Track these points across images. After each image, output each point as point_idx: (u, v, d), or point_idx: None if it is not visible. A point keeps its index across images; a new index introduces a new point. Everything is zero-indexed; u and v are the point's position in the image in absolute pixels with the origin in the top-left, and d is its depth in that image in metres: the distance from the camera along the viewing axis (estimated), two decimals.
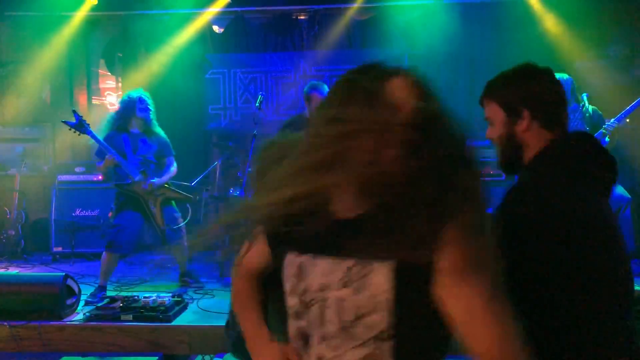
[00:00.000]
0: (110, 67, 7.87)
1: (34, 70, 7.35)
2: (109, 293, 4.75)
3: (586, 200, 1.56)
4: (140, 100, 4.97)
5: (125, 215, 4.89)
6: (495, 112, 1.71)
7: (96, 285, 4.93)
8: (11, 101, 7.57)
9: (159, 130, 5.16)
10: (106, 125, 5.00)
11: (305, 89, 4.89)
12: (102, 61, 7.92)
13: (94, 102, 7.84)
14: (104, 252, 4.87)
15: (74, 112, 4.83)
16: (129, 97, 5.01)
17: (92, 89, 7.88)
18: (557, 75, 4.75)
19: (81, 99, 7.78)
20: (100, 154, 4.89)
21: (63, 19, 7.08)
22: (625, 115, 4.56)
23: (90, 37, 7.57)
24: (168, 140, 5.20)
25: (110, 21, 7.47)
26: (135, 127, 5.02)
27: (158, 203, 4.94)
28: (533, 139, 1.65)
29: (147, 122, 5.02)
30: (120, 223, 4.87)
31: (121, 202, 4.94)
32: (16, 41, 7.39)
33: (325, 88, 4.89)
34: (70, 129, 4.81)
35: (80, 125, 4.75)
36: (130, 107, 4.95)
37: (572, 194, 1.54)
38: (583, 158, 1.60)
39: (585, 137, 1.68)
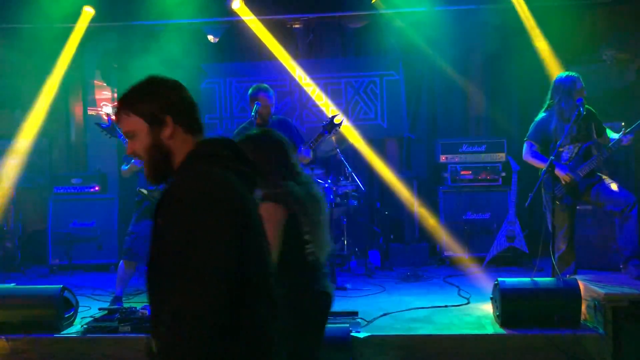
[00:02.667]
0: (106, 78, 7.87)
1: (29, 82, 7.35)
2: (104, 305, 4.74)
3: (245, 193, 1.73)
4: None
5: (143, 223, 4.86)
6: (136, 124, 1.76)
7: (94, 297, 4.91)
8: (7, 113, 7.56)
9: None
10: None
11: (250, 90, 4.92)
12: (97, 72, 7.92)
13: (89, 113, 7.84)
14: (120, 261, 4.87)
15: (108, 115, 5.01)
16: None
17: (88, 100, 7.88)
18: (565, 74, 4.68)
19: (77, 110, 7.79)
20: (128, 158, 4.91)
21: (58, 31, 7.08)
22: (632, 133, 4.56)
23: (86, 48, 7.57)
24: None
25: (106, 32, 7.48)
26: None
27: None
28: (178, 144, 1.77)
29: None
30: (136, 230, 4.85)
31: (139, 208, 4.92)
32: (11, 53, 7.39)
33: (270, 90, 4.92)
34: (102, 131, 4.90)
35: (112, 129, 4.84)
36: None
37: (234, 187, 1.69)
38: (231, 156, 1.78)
39: (225, 140, 1.86)
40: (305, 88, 7.36)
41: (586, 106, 4.62)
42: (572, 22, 6.52)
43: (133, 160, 4.78)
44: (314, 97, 7.38)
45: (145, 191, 4.86)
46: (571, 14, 6.53)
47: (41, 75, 7.22)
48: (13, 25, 7.08)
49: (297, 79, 7.32)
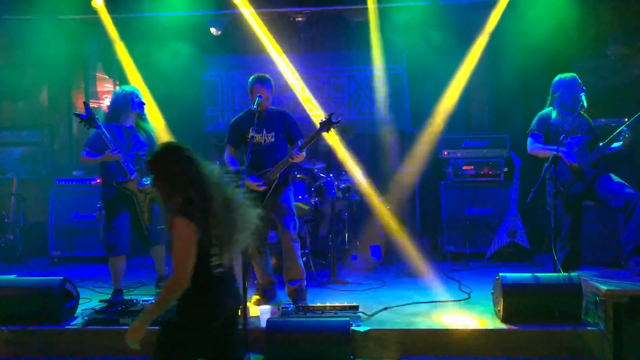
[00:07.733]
0: (108, 71, 7.85)
1: (31, 73, 7.33)
2: (105, 297, 4.74)
3: None
4: (135, 94, 4.95)
5: (120, 216, 4.78)
6: None
7: (95, 289, 4.89)
8: (9, 105, 7.56)
9: (149, 126, 5.12)
10: (100, 117, 4.92)
11: (249, 80, 4.84)
12: (99, 64, 7.90)
13: (91, 105, 7.80)
14: (109, 258, 4.80)
15: (86, 105, 4.77)
16: (124, 91, 4.99)
17: (90, 92, 7.86)
18: (563, 75, 4.74)
19: (79, 102, 7.76)
20: (94, 144, 4.77)
21: (60, 23, 7.06)
22: (637, 122, 4.52)
23: (88, 40, 7.55)
24: (155, 137, 5.14)
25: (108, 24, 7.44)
26: (128, 121, 4.95)
27: (147, 202, 4.83)
28: None
29: (141, 116, 4.99)
30: (117, 225, 4.77)
31: (112, 200, 4.79)
32: (14, 44, 7.36)
33: (270, 81, 4.83)
34: (80, 122, 4.74)
35: (90, 119, 4.68)
36: (126, 101, 4.91)
37: None
38: None
39: None
40: (307, 82, 7.35)
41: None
42: (577, 18, 6.47)
43: (111, 152, 4.64)
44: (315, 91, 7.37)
45: (121, 183, 4.74)
46: (576, 9, 6.48)
47: (44, 67, 7.20)
48: (17, 16, 7.06)
49: (299, 72, 7.30)
